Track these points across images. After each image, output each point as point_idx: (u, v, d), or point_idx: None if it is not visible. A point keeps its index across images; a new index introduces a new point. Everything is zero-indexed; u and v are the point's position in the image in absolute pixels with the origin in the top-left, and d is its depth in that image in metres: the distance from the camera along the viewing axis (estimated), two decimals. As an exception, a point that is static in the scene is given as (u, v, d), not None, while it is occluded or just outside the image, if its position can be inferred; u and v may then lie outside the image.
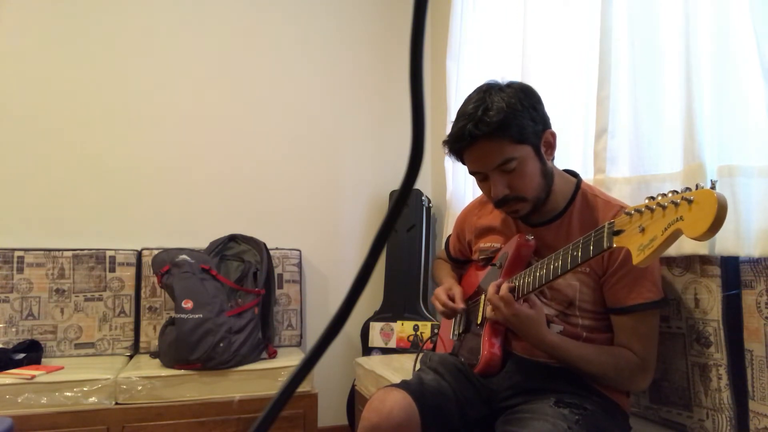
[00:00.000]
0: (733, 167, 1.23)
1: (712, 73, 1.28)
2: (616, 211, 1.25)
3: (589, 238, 1.05)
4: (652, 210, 0.90)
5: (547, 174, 1.28)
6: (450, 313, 1.47)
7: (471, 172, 1.31)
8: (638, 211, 0.94)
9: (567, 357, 1.22)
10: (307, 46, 2.87)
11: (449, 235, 1.70)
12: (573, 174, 1.38)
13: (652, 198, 0.92)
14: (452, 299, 1.45)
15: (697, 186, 0.85)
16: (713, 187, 0.82)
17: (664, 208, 0.88)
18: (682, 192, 0.86)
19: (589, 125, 1.68)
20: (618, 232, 0.98)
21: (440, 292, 1.48)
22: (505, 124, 1.19)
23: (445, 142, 1.30)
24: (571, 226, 1.29)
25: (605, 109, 1.56)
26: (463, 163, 1.32)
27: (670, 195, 0.89)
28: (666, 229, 0.86)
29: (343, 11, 2.94)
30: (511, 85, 1.26)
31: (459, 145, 1.26)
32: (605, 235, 1.00)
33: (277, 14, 2.83)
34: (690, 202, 0.83)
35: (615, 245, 0.98)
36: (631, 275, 1.21)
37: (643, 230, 0.91)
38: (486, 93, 1.24)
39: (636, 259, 0.91)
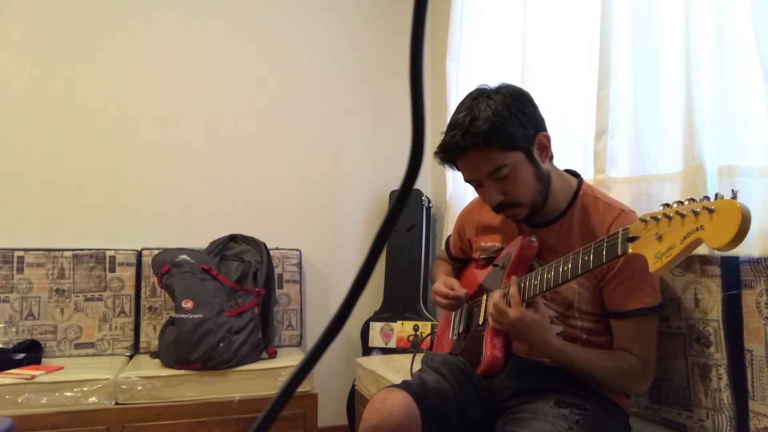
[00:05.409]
0: (733, 167, 1.23)
1: (712, 73, 1.28)
2: (617, 215, 1.25)
3: (601, 243, 1.04)
4: (669, 218, 0.89)
5: (543, 177, 1.27)
6: (455, 304, 1.45)
7: (466, 180, 1.32)
8: (654, 218, 0.92)
9: (572, 362, 1.21)
10: (308, 46, 2.87)
11: (449, 235, 1.70)
12: (575, 174, 1.37)
13: (668, 205, 0.91)
14: (452, 290, 1.44)
15: (716, 195, 0.83)
16: (734, 197, 0.81)
17: (682, 216, 0.86)
18: (701, 201, 0.85)
19: (589, 125, 1.68)
20: (633, 239, 0.96)
21: (439, 286, 1.47)
22: (491, 133, 1.19)
23: (436, 153, 1.30)
24: (572, 228, 1.29)
25: (605, 109, 1.56)
26: (459, 171, 1.32)
27: (687, 203, 0.87)
28: (685, 238, 0.85)
29: (343, 11, 2.94)
30: (499, 91, 1.25)
31: (449, 156, 1.27)
32: (619, 241, 0.99)
33: (277, 14, 2.83)
34: (711, 211, 0.82)
35: (631, 251, 0.96)
36: (631, 280, 1.21)
37: (660, 238, 0.90)
38: (474, 101, 1.24)
39: (653, 267, 0.90)
